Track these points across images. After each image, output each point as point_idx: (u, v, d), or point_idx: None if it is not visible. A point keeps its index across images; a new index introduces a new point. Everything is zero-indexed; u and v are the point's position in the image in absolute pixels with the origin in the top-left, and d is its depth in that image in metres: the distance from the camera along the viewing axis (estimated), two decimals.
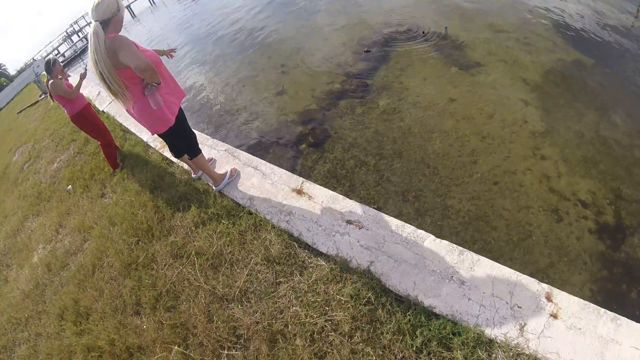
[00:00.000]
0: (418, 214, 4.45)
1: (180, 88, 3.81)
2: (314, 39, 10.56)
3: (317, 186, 4.05)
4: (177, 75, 11.91)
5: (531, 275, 2.86)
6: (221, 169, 4.84)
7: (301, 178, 4.24)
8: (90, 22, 3.13)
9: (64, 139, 9.52)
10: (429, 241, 3.13)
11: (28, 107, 19.35)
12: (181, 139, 4.00)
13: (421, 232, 3.22)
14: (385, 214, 3.57)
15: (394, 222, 3.37)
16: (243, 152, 5.11)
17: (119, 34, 3.23)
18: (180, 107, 3.78)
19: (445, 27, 8.58)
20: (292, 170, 5.36)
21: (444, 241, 3.11)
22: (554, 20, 8.19)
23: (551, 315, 2.51)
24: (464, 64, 7.12)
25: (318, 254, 3.35)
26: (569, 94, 5.95)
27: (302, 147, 6.04)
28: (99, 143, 6.24)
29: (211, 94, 9.42)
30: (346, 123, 6.32)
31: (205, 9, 21.23)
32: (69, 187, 6.83)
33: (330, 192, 3.90)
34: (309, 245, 3.43)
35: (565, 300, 2.57)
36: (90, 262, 4.61)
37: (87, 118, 5.98)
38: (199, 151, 4.15)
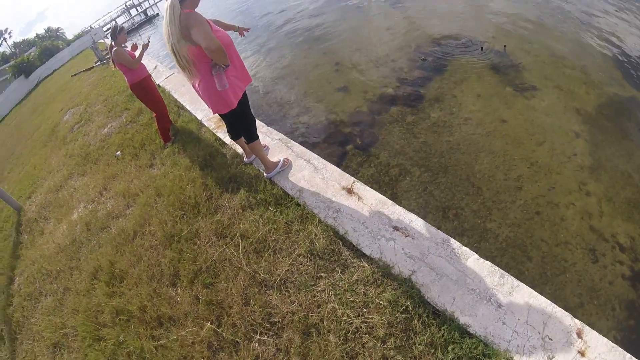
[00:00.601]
0: (456, 232, 4.49)
1: (248, 73, 3.84)
2: (371, 41, 10.54)
3: (368, 188, 4.09)
4: None
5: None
6: (274, 157, 4.91)
7: (352, 177, 4.28)
8: None
9: (117, 107, 9.70)
10: (473, 259, 3.17)
11: (83, 71, 19.67)
12: (241, 123, 4.05)
13: (466, 249, 3.25)
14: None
15: (440, 236, 3.40)
16: (297, 143, 5.18)
17: (195, 10, 3.31)
18: (245, 92, 3.83)
19: (505, 46, 8.53)
20: None
21: (487, 262, 3.14)
22: (613, 53, 8.04)
23: (579, 352, 2.52)
24: (520, 85, 7.08)
25: (361, 255, 3.40)
26: (621, 131, 5.87)
27: (349, 148, 6.12)
28: (154, 115, 6.34)
29: (263, 83, 9.54)
30: (395, 130, 6.36)
31: None
32: (117, 153, 6.97)
33: (380, 195, 3.94)
34: (354, 245, 3.48)
35: (595, 340, 2.58)
36: (132, 228, 4.74)
37: (145, 88, 6.11)
38: (256, 136, 4.18)
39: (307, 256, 3.50)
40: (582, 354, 2.51)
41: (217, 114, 4.00)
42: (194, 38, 3.13)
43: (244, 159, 5.02)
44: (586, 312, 3.64)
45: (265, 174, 4.58)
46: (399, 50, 9.43)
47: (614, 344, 2.57)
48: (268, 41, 12.81)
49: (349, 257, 3.40)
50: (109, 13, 43.69)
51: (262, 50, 12.05)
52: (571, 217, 4.55)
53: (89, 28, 42.06)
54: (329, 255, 3.46)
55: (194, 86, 3.76)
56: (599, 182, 4.99)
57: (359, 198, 3.96)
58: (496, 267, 3.10)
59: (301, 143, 5.43)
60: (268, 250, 3.69)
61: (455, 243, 3.32)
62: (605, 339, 2.60)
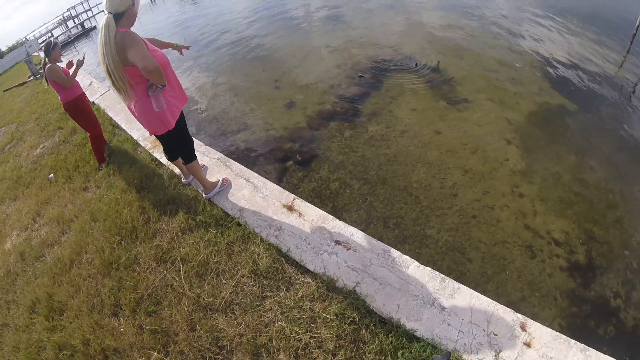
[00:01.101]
0: (397, 240, 4.54)
1: (184, 92, 3.80)
2: (310, 58, 10.68)
3: (308, 204, 4.11)
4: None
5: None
6: (212, 177, 4.84)
7: (292, 195, 4.30)
8: (102, 12, 3.11)
9: (50, 125, 9.32)
10: (414, 267, 3.24)
11: (15, 86, 18.81)
12: (178, 143, 3.99)
13: (406, 257, 3.32)
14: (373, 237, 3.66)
15: (380, 246, 3.46)
16: (235, 162, 5.15)
17: (131, 29, 3.21)
18: (182, 112, 3.77)
19: (438, 62, 8.85)
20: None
21: (427, 268, 3.22)
22: (542, 64, 8.49)
23: (525, 344, 2.62)
24: (453, 99, 7.35)
25: (305, 271, 3.40)
26: (550, 136, 6.17)
27: (289, 164, 6.11)
28: (88, 135, 6.12)
29: (202, 99, 9.42)
30: (334, 145, 6.42)
31: (205, 13, 21.29)
32: (50, 176, 6.64)
33: (321, 211, 3.97)
34: (297, 262, 3.48)
35: (539, 331, 2.70)
36: (68, 256, 4.50)
37: (80, 107, 5.89)
38: (194, 157, 4.13)
39: (251, 276, 3.46)
40: (528, 345, 2.62)
41: (153, 135, 3.92)
42: (131, 59, 3.03)
43: (182, 180, 4.93)
44: (529, 305, 3.75)
45: (204, 195, 4.50)
46: (337, 67, 9.60)
47: (558, 333, 2.69)
48: (206, 57, 12.69)
49: (293, 274, 3.40)
50: (45, 24, 41.73)
51: (200, 66, 11.91)
52: (506, 218, 4.73)
53: (23, 39, 40.17)
54: (272, 273, 3.43)
55: (129, 108, 3.66)
56: (532, 184, 5.22)
57: (300, 215, 3.98)
58: (436, 272, 3.19)
59: (241, 160, 5.40)
60: (211, 273, 3.61)
61: (395, 253, 3.39)
62: (549, 329, 2.72)
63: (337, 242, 3.57)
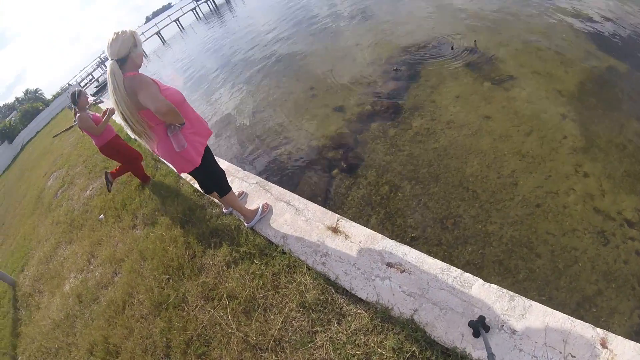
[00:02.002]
0: (458, 242, 4.27)
1: (206, 125, 3.66)
2: (342, 60, 10.56)
3: (354, 224, 3.86)
4: (207, 99, 12.05)
5: (578, 305, 2.90)
6: (253, 203, 4.75)
7: (336, 215, 4.08)
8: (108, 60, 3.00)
9: (96, 167, 9.79)
10: (477, 286, 2.93)
11: (63, 131, 19.69)
12: (209, 178, 3.90)
13: (468, 275, 3.01)
14: (428, 255, 3.37)
15: (438, 265, 3.17)
16: (275, 185, 4.99)
17: (139, 71, 3.13)
18: (207, 146, 3.66)
19: (475, 41, 8.41)
20: (326, 198, 5.26)
21: (493, 286, 2.90)
22: (583, 26, 7.92)
23: None
24: (497, 78, 6.93)
25: (357, 300, 3.16)
26: (607, 103, 5.73)
27: (335, 173, 5.93)
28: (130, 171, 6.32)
29: (240, 119, 9.49)
30: (379, 146, 6.18)
31: (233, 32, 21.98)
32: (101, 217, 6.91)
33: (368, 230, 3.71)
34: (347, 291, 3.25)
35: (621, 346, 2.36)
36: (121, 297, 4.57)
37: (115, 149, 6.04)
38: (228, 189, 4.04)
39: (300, 310, 3.26)
40: None
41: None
42: (142, 102, 2.93)
43: (223, 210, 4.85)
44: (606, 298, 3.44)
45: (245, 224, 4.39)
46: (371, 64, 9.38)
47: None
48: (240, 75, 12.96)
49: (344, 304, 3.16)
50: (84, 68, 44.03)
51: (235, 86, 12.14)
52: (573, 203, 4.37)
53: (67, 85, 42.43)
54: (322, 306, 3.21)
55: (154, 151, 3.56)
56: (595, 161, 4.82)
57: (346, 237, 3.74)
58: (504, 290, 2.87)
59: (286, 174, 5.34)
60: (258, 309, 3.45)
61: (455, 271, 3.08)
62: (632, 342, 2.38)
63: (389, 265, 3.30)
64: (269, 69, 12.21)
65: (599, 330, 2.47)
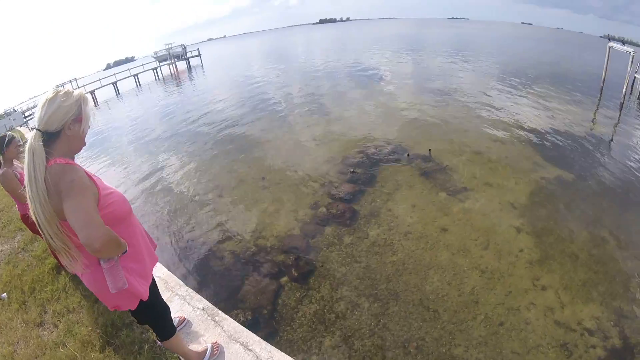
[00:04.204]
0: None
1: (153, 249, 2.75)
2: (296, 152, 10.59)
3: None
4: (147, 168, 11.38)
5: None
6: (199, 341, 3.61)
7: None
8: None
9: (11, 224, 7.94)
10: None
11: None
12: (148, 317, 2.75)
13: None
14: None
15: None
16: (227, 316, 3.99)
17: (72, 160, 2.08)
18: (152, 276, 2.67)
19: (429, 150, 8.75)
20: (272, 310, 4.87)
21: None
22: (528, 136, 8.49)
23: None
24: (451, 189, 7.15)
25: None
26: (557, 214, 6.06)
27: (284, 281, 5.51)
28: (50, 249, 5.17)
29: (180, 198, 8.81)
30: (334, 255, 5.95)
31: (189, 101, 22.08)
32: (3, 295, 5.38)
33: None
34: None
35: None
36: None
37: None
38: (172, 332, 2.91)
39: None
40: None
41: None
42: (67, 216, 1.87)
43: (157, 342, 3.56)
44: None
45: None
46: (327, 162, 9.45)
47: None
48: (188, 148, 12.53)
49: None
50: (35, 97, 40.02)
51: (181, 159, 11.62)
52: (535, 318, 4.42)
53: (11, 110, 36.94)
54: None
55: (77, 274, 2.37)
56: (551, 273, 5.00)
57: None
58: None
59: (229, 277, 5.20)
60: None
61: None
62: None
63: None
64: (220, 148, 11.96)
65: None
